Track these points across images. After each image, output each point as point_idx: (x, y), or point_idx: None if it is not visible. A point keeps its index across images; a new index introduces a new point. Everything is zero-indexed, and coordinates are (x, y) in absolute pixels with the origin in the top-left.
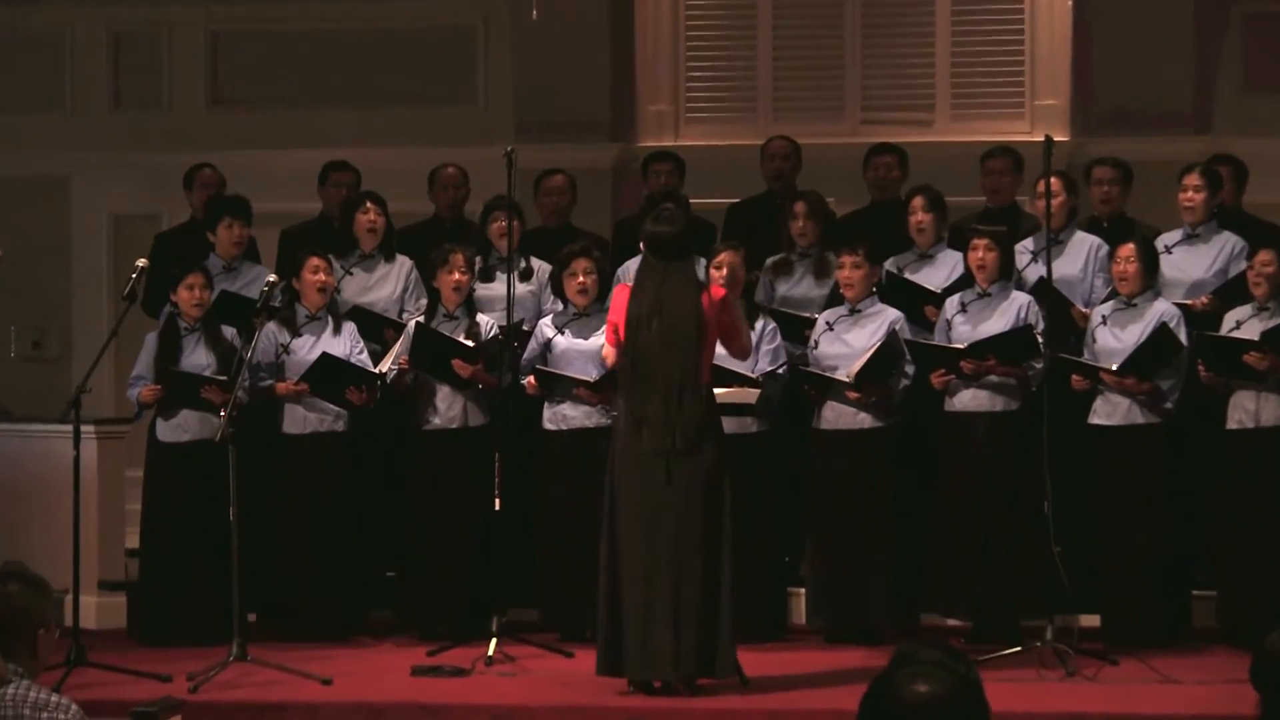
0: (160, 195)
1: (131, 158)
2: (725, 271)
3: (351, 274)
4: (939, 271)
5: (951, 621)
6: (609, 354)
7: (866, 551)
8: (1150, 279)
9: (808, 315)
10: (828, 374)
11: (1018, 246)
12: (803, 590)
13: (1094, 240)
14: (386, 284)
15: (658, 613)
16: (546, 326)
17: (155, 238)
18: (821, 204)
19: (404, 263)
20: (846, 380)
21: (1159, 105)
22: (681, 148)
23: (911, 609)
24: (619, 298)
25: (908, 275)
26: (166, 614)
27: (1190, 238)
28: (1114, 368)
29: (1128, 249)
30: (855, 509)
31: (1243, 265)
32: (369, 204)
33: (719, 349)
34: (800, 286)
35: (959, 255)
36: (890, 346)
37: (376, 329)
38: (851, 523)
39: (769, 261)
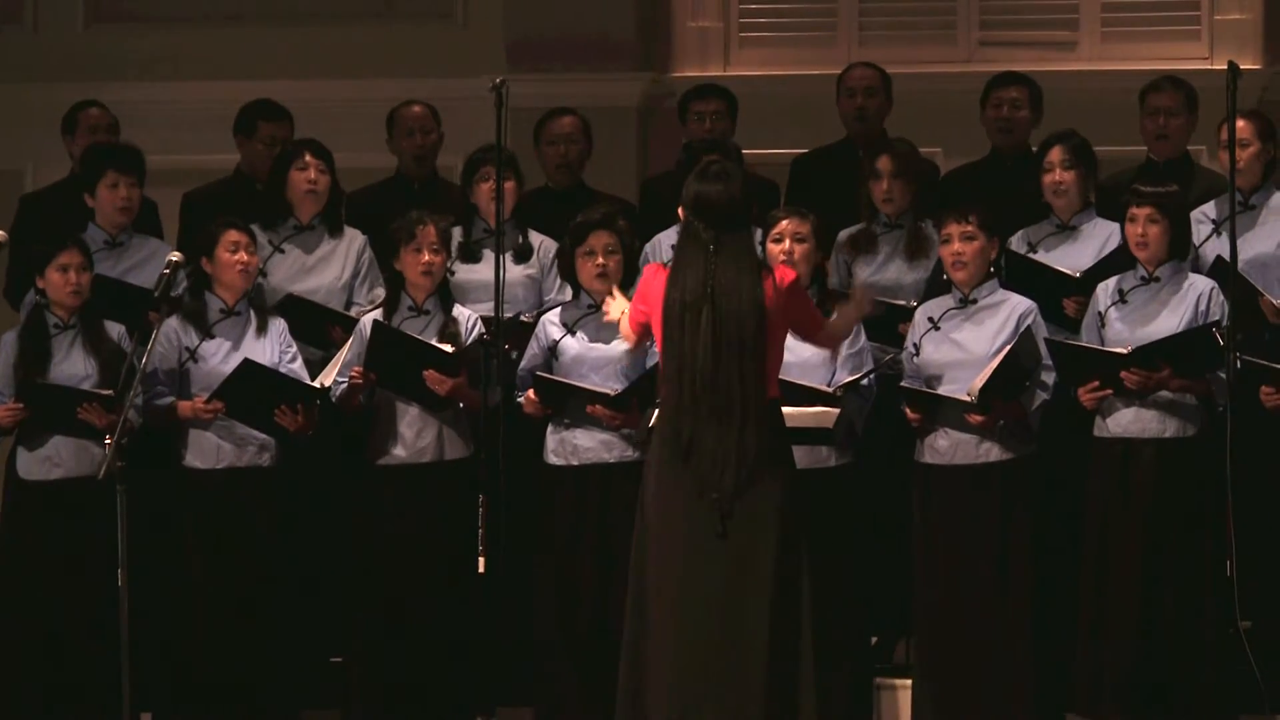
0: (25, 143)
1: None
2: (787, 245)
3: (283, 251)
4: (1084, 249)
5: None
6: (628, 333)
7: (994, 631)
8: None
9: (904, 304)
10: (935, 388)
11: (1194, 214)
12: (900, 683)
13: None
14: (331, 266)
15: (706, 715)
16: (552, 325)
17: (21, 201)
18: (914, 157)
19: (355, 238)
20: (968, 399)
21: None
22: (732, 79)
23: (1051, 708)
24: (651, 282)
25: (1041, 255)
26: (30, 713)
27: None
28: None
29: None
30: (978, 571)
31: None
32: (308, 157)
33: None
34: (888, 270)
35: (1112, 226)
36: (1024, 349)
37: (318, 327)
38: (972, 590)
39: (844, 235)
